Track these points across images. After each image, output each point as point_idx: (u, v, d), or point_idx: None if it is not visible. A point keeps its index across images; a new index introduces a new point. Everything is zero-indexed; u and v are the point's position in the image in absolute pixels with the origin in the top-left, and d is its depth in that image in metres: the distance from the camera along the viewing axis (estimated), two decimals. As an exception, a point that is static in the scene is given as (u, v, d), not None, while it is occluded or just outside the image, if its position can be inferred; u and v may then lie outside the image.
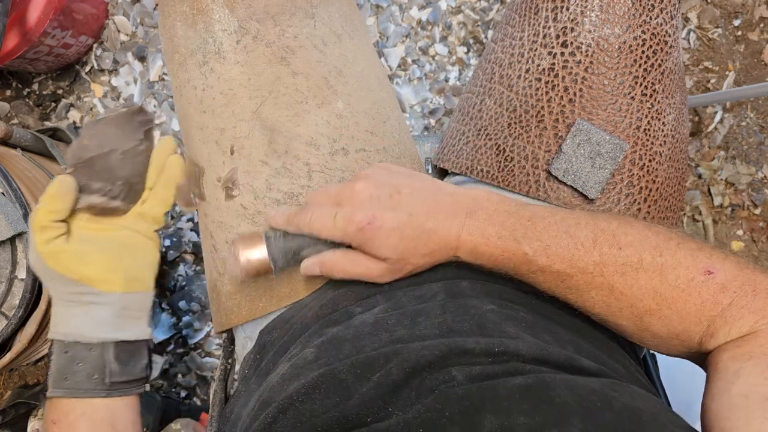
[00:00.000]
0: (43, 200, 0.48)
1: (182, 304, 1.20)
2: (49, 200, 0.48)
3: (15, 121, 1.16)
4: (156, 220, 0.53)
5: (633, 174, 0.56)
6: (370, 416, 0.35)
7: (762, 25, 1.17)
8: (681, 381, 0.73)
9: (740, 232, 1.18)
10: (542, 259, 0.43)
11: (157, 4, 0.94)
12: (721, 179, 1.18)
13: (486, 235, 0.44)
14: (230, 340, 0.66)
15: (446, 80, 1.21)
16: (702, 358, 0.44)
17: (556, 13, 0.55)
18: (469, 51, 1.20)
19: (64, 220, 0.50)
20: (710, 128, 1.18)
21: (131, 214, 0.53)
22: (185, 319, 1.21)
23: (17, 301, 0.81)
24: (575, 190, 0.55)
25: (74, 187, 0.49)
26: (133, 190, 0.52)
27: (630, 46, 0.53)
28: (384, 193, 0.45)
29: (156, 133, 1.21)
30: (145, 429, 0.98)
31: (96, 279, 0.49)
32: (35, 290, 0.82)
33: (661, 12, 0.54)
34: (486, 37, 1.19)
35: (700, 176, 1.19)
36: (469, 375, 0.37)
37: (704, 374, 0.45)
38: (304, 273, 0.49)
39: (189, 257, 1.22)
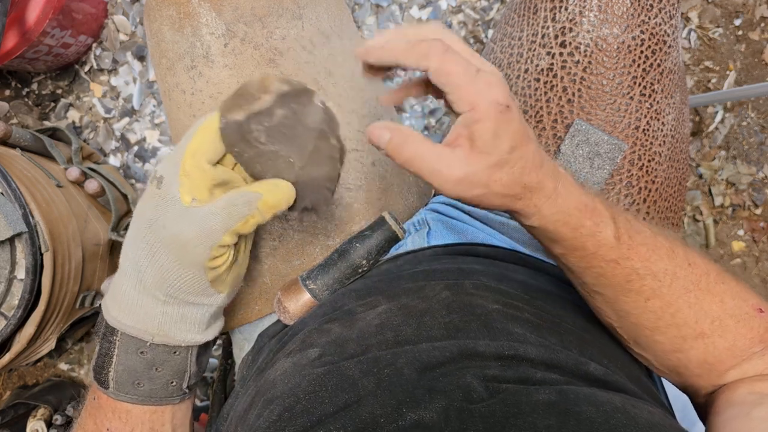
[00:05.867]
0: (265, 208, 0.39)
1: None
2: (270, 211, 0.39)
3: (14, 120, 1.16)
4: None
5: (632, 174, 0.56)
6: (383, 417, 0.34)
7: (763, 24, 1.17)
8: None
9: (741, 232, 1.17)
10: (624, 250, 0.39)
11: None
12: (722, 179, 1.17)
13: (581, 200, 0.39)
14: (229, 341, 0.66)
15: (446, 80, 1.20)
16: (707, 392, 0.44)
17: (555, 13, 0.55)
18: (469, 50, 1.19)
19: None
20: (711, 128, 1.18)
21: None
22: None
23: (16, 302, 0.81)
24: (574, 190, 0.55)
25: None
26: None
27: (628, 46, 0.53)
28: (512, 102, 0.37)
29: (155, 133, 1.19)
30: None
31: (225, 283, 0.43)
32: (34, 290, 0.81)
33: (660, 12, 0.53)
34: (486, 37, 1.19)
35: (700, 176, 1.18)
36: (483, 379, 0.36)
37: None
38: (368, 136, 0.39)
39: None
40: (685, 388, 0.46)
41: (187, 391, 0.45)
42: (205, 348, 0.47)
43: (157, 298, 0.41)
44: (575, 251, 0.40)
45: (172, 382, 0.44)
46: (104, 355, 0.42)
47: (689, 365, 0.43)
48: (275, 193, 0.39)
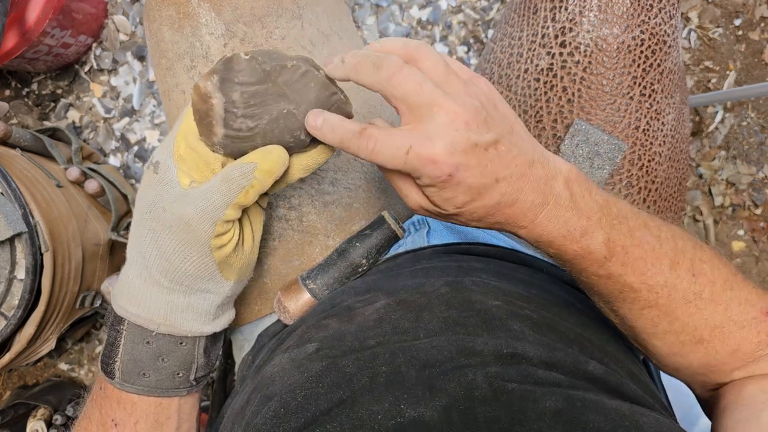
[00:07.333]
0: (262, 175, 0.38)
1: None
2: (268, 177, 0.39)
3: (14, 120, 1.16)
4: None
5: (632, 174, 0.56)
6: (381, 413, 0.34)
7: (763, 24, 1.17)
8: (681, 383, 0.72)
9: (741, 232, 1.17)
10: (617, 267, 0.39)
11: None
12: (722, 179, 1.17)
13: (569, 227, 0.37)
14: (229, 342, 0.66)
15: (446, 80, 1.20)
16: (711, 388, 0.44)
17: (555, 13, 0.55)
18: (469, 50, 1.19)
19: None
20: (711, 128, 1.18)
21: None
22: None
23: (16, 302, 0.81)
24: (574, 190, 0.55)
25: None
26: None
27: (628, 46, 0.53)
28: (481, 139, 0.35)
29: (155, 133, 1.19)
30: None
31: (232, 268, 0.43)
32: (34, 290, 0.81)
33: (660, 12, 0.53)
34: (486, 37, 1.19)
35: (700, 176, 1.18)
36: (487, 377, 0.35)
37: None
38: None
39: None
40: (688, 384, 0.46)
41: (194, 383, 0.45)
42: (214, 340, 0.46)
43: (162, 285, 0.40)
44: (563, 264, 0.40)
45: (178, 374, 0.43)
46: (111, 345, 0.42)
47: (690, 366, 0.43)
48: (269, 159, 0.38)
